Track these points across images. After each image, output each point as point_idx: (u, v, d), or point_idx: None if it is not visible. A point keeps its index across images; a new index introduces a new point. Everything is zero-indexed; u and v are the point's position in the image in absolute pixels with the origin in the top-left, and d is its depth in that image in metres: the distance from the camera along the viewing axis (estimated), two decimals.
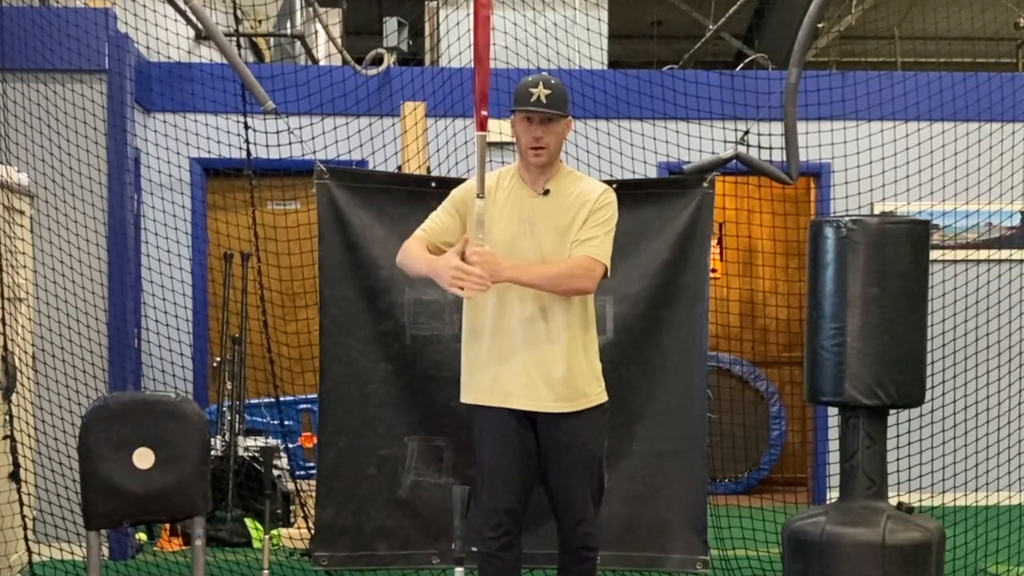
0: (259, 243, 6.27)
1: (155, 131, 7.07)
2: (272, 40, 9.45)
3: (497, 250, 3.87)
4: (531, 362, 3.92)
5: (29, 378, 5.86)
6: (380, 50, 7.38)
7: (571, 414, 3.95)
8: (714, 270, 7.72)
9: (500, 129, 5.66)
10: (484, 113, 3.78)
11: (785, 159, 5.24)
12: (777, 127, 5.58)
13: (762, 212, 6.96)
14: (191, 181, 7.23)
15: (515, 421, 3.95)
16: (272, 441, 6.73)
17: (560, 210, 3.95)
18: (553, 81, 3.92)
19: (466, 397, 4.06)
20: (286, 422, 6.57)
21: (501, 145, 6.64)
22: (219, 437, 6.61)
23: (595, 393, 4.02)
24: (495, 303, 3.94)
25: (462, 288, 3.77)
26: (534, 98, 3.87)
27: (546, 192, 3.97)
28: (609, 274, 3.98)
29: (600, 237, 3.92)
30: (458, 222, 4.02)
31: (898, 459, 6.14)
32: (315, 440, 5.65)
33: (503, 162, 4.18)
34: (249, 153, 6.17)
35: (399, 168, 6.51)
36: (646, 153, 6.92)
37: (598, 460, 4.04)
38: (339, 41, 8.55)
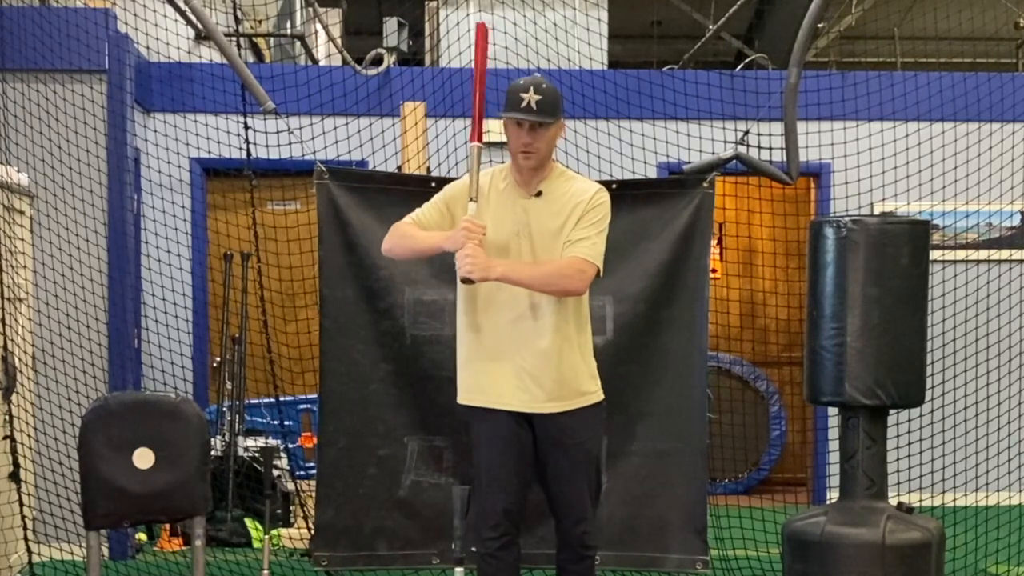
0: (259, 243, 6.26)
1: (155, 131, 7.07)
2: (272, 40, 9.44)
3: (490, 251, 3.86)
4: (521, 360, 3.91)
5: (29, 378, 5.86)
6: (380, 50, 7.37)
7: (567, 413, 3.95)
8: (714, 270, 7.72)
9: (500, 129, 5.66)
10: (481, 126, 3.92)
11: (785, 159, 5.24)
12: (777, 127, 5.58)
13: (762, 212, 6.96)
14: (191, 181, 7.23)
15: (512, 421, 3.95)
16: (272, 441, 6.73)
17: (553, 211, 3.93)
18: (544, 85, 3.87)
19: (462, 398, 4.06)
20: (286, 422, 6.57)
21: (501, 145, 6.64)
22: (219, 437, 6.61)
23: (591, 392, 4.00)
24: (485, 301, 3.93)
25: (471, 249, 3.76)
26: (524, 103, 3.83)
27: (539, 194, 3.96)
28: (602, 274, 3.96)
29: (592, 238, 3.89)
30: (447, 220, 4.01)
31: (898, 459, 6.14)
32: (315, 440, 5.65)
33: (503, 161, 4.17)
34: (249, 153, 6.17)
35: (399, 168, 6.50)
36: (646, 153, 6.92)
37: (595, 459, 4.04)
38: (339, 41, 8.55)
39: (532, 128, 3.86)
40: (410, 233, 4.03)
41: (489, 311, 3.93)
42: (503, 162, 4.16)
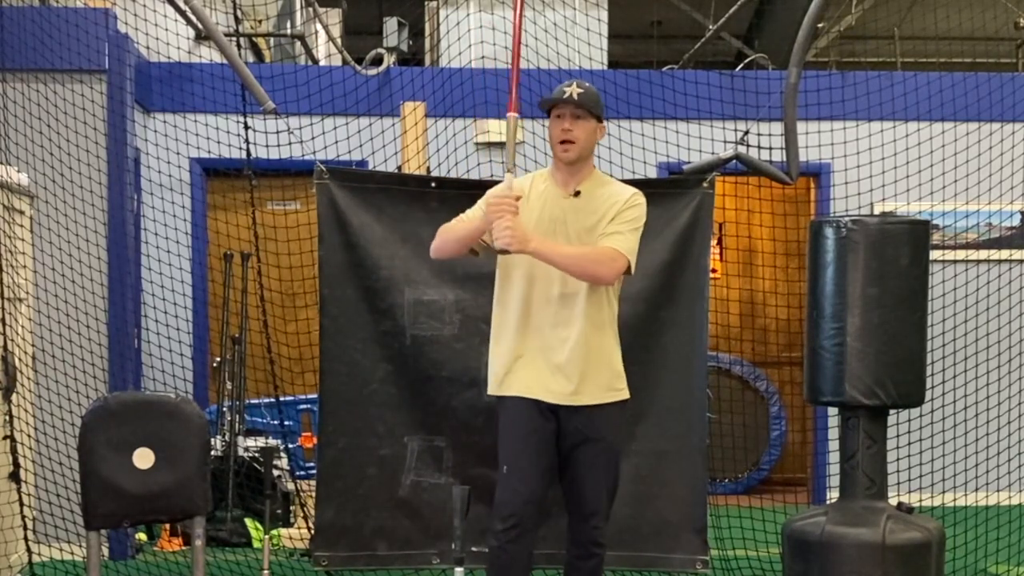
0: (259, 243, 6.27)
1: (155, 131, 7.07)
2: (272, 40, 9.44)
3: None
4: (551, 352, 3.96)
5: (29, 378, 5.86)
6: (380, 50, 7.38)
7: (593, 407, 3.99)
8: (714, 270, 7.71)
9: (500, 130, 5.67)
10: (517, 95, 3.99)
11: (785, 159, 5.24)
12: (777, 127, 5.58)
13: (762, 212, 6.96)
14: (191, 181, 7.23)
15: (538, 415, 3.98)
16: (272, 441, 6.73)
17: (589, 210, 4.02)
18: (587, 85, 4.06)
19: (493, 389, 4.11)
20: (286, 422, 6.57)
21: (501, 145, 6.64)
22: (219, 437, 6.61)
23: (618, 389, 4.07)
24: (520, 291, 3.99)
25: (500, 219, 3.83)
26: (567, 95, 3.99)
27: (577, 193, 4.03)
28: (632, 271, 4.03)
29: (626, 233, 3.99)
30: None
31: (898, 459, 6.14)
32: (315, 440, 5.65)
33: (503, 160, 4.18)
34: (249, 153, 6.17)
35: (399, 168, 6.50)
36: (646, 153, 6.92)
37: (616, 456, 4.08)
38: (339, 41, 8.55)
39: (573, 117, 3.99)
40: (453, 225, 4.12)
41: (524, 301, 4.00)
42: (503, 161, 4.17)
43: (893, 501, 4.34)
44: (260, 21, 8.87)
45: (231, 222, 6.90)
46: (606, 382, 4.03)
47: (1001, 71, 8.40)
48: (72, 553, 6.03)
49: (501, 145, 6.66)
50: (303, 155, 6.61)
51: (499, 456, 4.09)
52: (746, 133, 5.50)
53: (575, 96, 3.98)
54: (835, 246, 4.27)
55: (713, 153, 5.73)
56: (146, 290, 6.94)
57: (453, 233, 4.10)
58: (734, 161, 5.25)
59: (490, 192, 3.99)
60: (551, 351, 3.97)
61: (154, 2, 6.79)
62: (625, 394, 4.10)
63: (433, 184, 5.00)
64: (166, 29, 6.98)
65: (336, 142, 6.79)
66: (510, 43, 7.04)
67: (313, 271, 5.41)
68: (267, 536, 5.08)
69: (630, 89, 7.25)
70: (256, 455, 6.58)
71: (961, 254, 7.38)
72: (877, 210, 7.15)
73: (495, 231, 3.87)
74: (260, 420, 7.08)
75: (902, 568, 4.09)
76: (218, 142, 6.78)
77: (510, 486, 3.99)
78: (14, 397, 5.48)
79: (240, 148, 6.24)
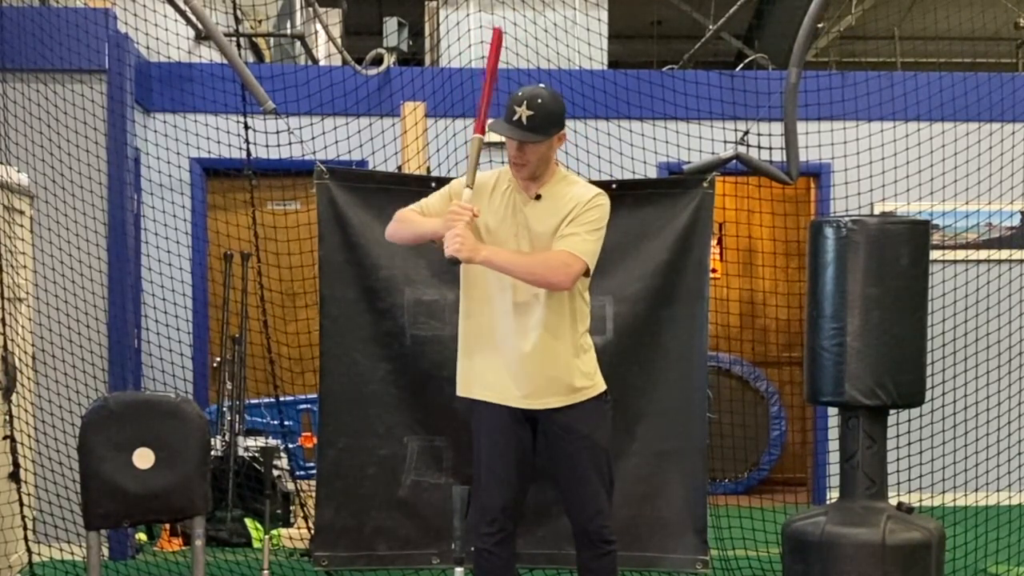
0: (259, 243, 6.27)
1: (155, 131, 7.07)
2: (272, 40, 9.45)
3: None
4: (511, 358, 3.93)
5: (29, 378, 5.86)
6: (380, 50, 7.38)
7: (563, 409, 3.96)
8: (714, 270, 7.71)
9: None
10: (484, 120, 3.91)
11: (785, 159, 5.24)
12: (777, 127, 5.58)
13: (762, 212, 6.96)
14: (191, 181, 7.23)
15: (510, 417, 3.97)
16: (272, 441, 6.73)
17: (551, 212, 3.94)
18: (540, 99, 3.83)
19: (460, 390, 4.08)
20: (286, 422, 6.57)
21: (501, 145, 6.64)
22: (219, 437, 6.61)
23: (584, 387, 3.99)
24: (482, 296, 3.97)
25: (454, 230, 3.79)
26: (516, 117, 3.83)
27: (538, 197, 3.97)
28: (591, 272, 3.94)
29: (582, 235, 3.88)
30: None
31: (898, 459, 6.14)
32: (315, 440, 5.65)
33: (502, 162, 4.18)
34: (249, 153, 6.17)
35: (399, 168, 6.50)
36: (646, 153, 6.92)
37: (604, 451, 4.04)
38: (339, 41, 8.55)
39: (520, 143, 3.87)
40: (411, 218, 4.08)
41: (485, 307, 3.97)
42: (503, 162, 4.17)
43: (893, 501, 4.34)
44: (260, 21, 8.87)
45: (231, 222, 6.90)
46: (571, 385, 3.96)
47: (1001, 71, 8.40)
48: (72, 553, 6.03)
49: (501, 145, 6.67)
50: (303, 155, 6.60)
51: (474, 462, 4.08)
52: (746, 133, 5.49)
53: (524, 121, 3.80)
54: (835, 246, 4.27)
55: (713, 153, 5.72)
56: (146, 290, 6.94)
57: (410, 228, 4.05)
58: (734, 161, 5.25)
59: (453, 205, 3.89)
60: (514, 362, 3.92)
61: (154, 2, 6.79)
62: (597, 388, 4.03)
63: (433, 184, 4.99)
64: (166, 29, 6.98)
65: (336, 142, 6.79)
66: (510, 43, 7.13)
67: (313, 271, 5.41)
68: (267, 536, 5.08)
69: (630, 89, 7.25)
70: (256, 455, 6.58)
71: (961, 254, 7.38)
72: (877, 210, 7.15)
73: (446, 240, 3.80)
74: (260, 420, 7.08)
75: (902, 568, 4.10)
76: (218, 142, 6.78)
77: (490, 491, 3.99)
78: (14, 397, 5.47)
79: (240, 148, 6.24)
